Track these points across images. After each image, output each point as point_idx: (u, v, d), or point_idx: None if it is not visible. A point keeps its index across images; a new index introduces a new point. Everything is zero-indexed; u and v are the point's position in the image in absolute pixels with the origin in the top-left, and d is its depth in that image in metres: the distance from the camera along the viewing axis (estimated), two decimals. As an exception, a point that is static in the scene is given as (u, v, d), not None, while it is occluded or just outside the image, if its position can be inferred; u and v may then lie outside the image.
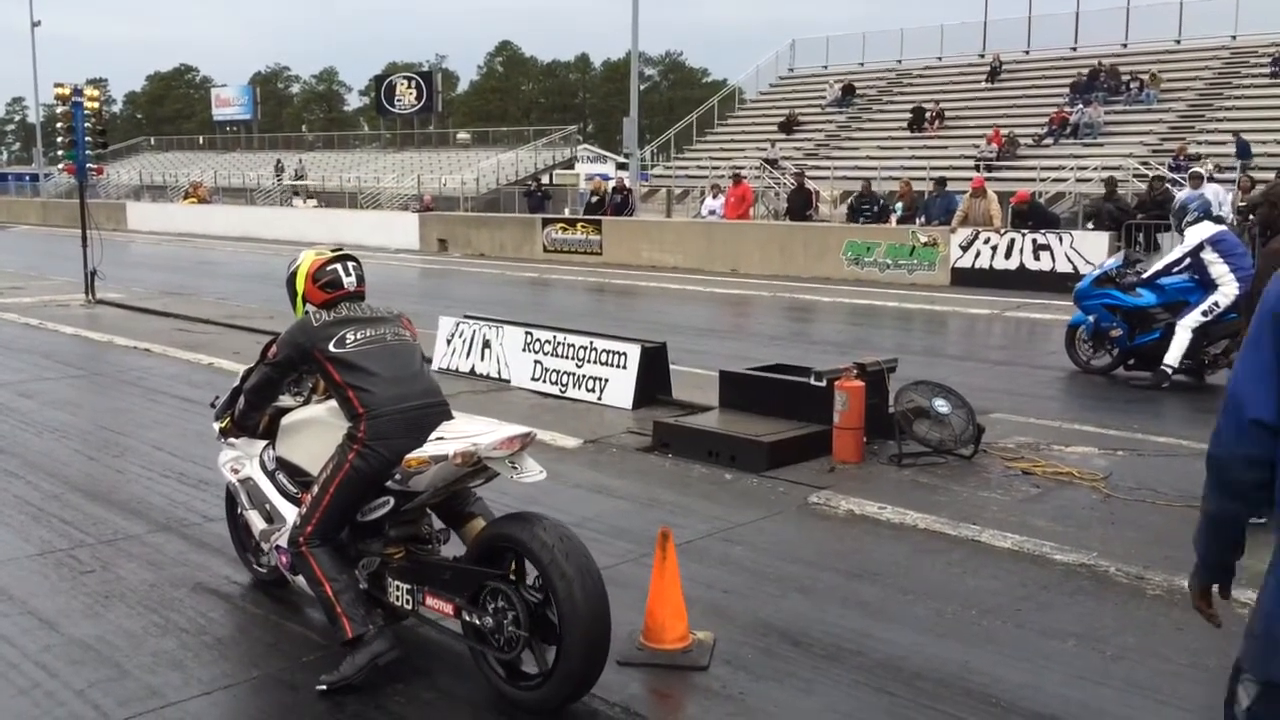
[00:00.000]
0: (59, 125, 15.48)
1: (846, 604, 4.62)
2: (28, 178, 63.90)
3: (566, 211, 27.96)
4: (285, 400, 4.38)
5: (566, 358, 8.84)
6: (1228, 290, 8.82)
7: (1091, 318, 9.78)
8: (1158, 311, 9.33)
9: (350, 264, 4.31)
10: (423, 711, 3.72)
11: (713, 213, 22.76)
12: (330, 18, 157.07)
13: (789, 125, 33.99)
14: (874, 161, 28.16)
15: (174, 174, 56.38)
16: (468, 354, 9.69)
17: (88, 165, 15.40)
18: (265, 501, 4.32)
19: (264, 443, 4.42)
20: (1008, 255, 17.15)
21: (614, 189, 25.32)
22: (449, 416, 4.04)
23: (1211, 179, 17.83)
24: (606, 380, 8.48)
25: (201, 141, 69.31)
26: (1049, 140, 27.97)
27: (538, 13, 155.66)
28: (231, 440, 4.55)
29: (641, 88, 31.05)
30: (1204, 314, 8.94)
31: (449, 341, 9.89)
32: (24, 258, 23.87)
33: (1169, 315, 9.23)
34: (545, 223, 24.78)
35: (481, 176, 43.63)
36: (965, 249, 17.66)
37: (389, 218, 32.08)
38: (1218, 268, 8.85)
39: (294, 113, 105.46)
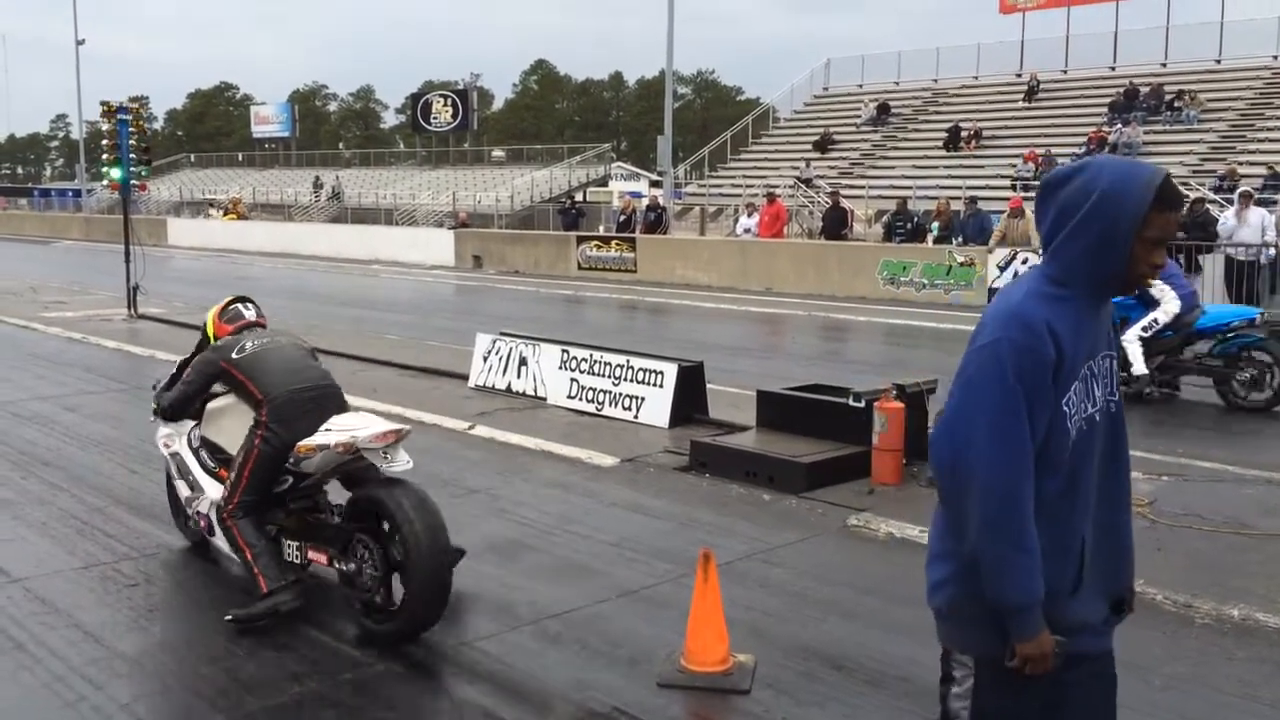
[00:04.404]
0: (104, 142, 15.72)
1: (890, 629, 4.57)
2: (71, 193, 64.94)
3: (601, 229, 28.03)
4: (216, 388, 5.05)
5: (603, 376, 8.84)
6: (1169, 308, 9.36)
7: None
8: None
9: (248, 303, 5.27)
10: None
11: (747, 231, 22.74)
12: (368, 37, 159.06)
13: (823, 144, 33.96)
14: (909, 180, 28.05)
15: (213, 190, 57.14)
16: (504, 371, 9.72)
17: (131, 181, 15.63)
18: (189, 473, 5.11)
19: (192, 423, 5.21)
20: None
21: (648, 207, 25.38)
22: (340, 398, 4.85)
23: (1258, 201, 17.60)
24: (643, 399, 8.47)
25: (241, 158, 70.25)
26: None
27: (573, 31, 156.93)
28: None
29: (675, 106, 31.11)
30: (1144, 329, 9.43)
31: (485, 359, 9.92)
32: (68, 272, 24.24)
33: (1114, 331, 9.39)
34: (579, 240, 24.87)
35: (516, 194, 43.89)
36: (1003, 269, 17.53)
37: (424, 234, 32.32)
38: (1159, 288, 9.34)
39: (331, 130, 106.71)
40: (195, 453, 5.13)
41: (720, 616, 4.14)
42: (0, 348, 12.44)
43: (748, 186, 30.03)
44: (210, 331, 5.23)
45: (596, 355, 8.98)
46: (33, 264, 27.23)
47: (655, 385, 8.41)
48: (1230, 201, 16.12)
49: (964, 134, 30.93)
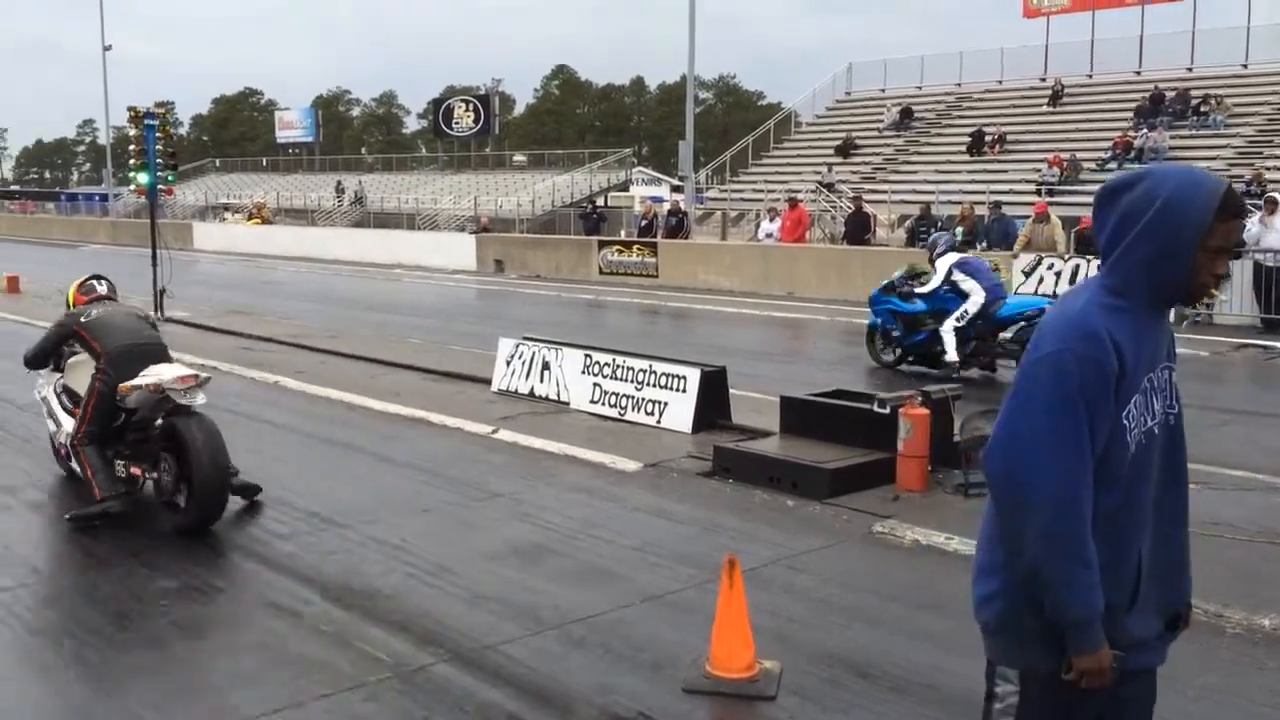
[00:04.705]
0: (131, 148, 15.87)
1: (915, 636, 4.55)
2: (97, 198, 65.57)
3: (622, 234, 28.06)
4: (76, 348, 6.39)
5: (626, 380, 8.85)
6: (976, 299, 10.89)
7: (879, 320, 11.80)
8: (925, 317, 11.33)
9: (102, 280, 6.76)
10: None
11: (769, 235, 22.73)
12: (390, 42, 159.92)
13: (846, 148, 33.89)
14: (932, 185, 27.94)
15: (238, 195, 57.57)
16: (527, 375, 9.74)
17: (158, 186, 15.77)
18: (54, 413, 6.55)
19: (58, 375, 6.63)
20: (1072, 280, 16.86)
21: (669, 211, 25.41)
22: (163, 353, 6.22)
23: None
24: (666, 404, 8.48)
25: (265, 163, 70.76)
26: (1112, 165, 27.54)
27: (594, 37, 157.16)
28: (39, 372, 6.79)
29: (696, 110, 31.11)
30: (957, 320, 10.97)
31: (508, 363, 9.95)
32: (94, 276, 24.46)
33: (934, 321, 11.22)
34: (601, 245, 24.92)
35: (537, 198, 44.04)
36: (1028, 275, 17.42)
37: (446, 239, 32.45)
38: (968, 284, 11.02)
39: (354, 135, 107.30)
40: (58, 397, 6.54)
41: (745, 622, 4.14)
42: (29, 351, 12.54)
43: (769, 191, 30.01)
44: (70, 301, 6.63)
45: (619, 360, 8.99)
46: (60, 268, 27.45)
47: (678, 390, 8.41)
48: (1257, 207, 15.96)
49: (988, 138, 30.80)
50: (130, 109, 15.44)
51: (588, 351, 9.32)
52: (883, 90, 37.12)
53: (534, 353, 9.74)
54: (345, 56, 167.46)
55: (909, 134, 34.20)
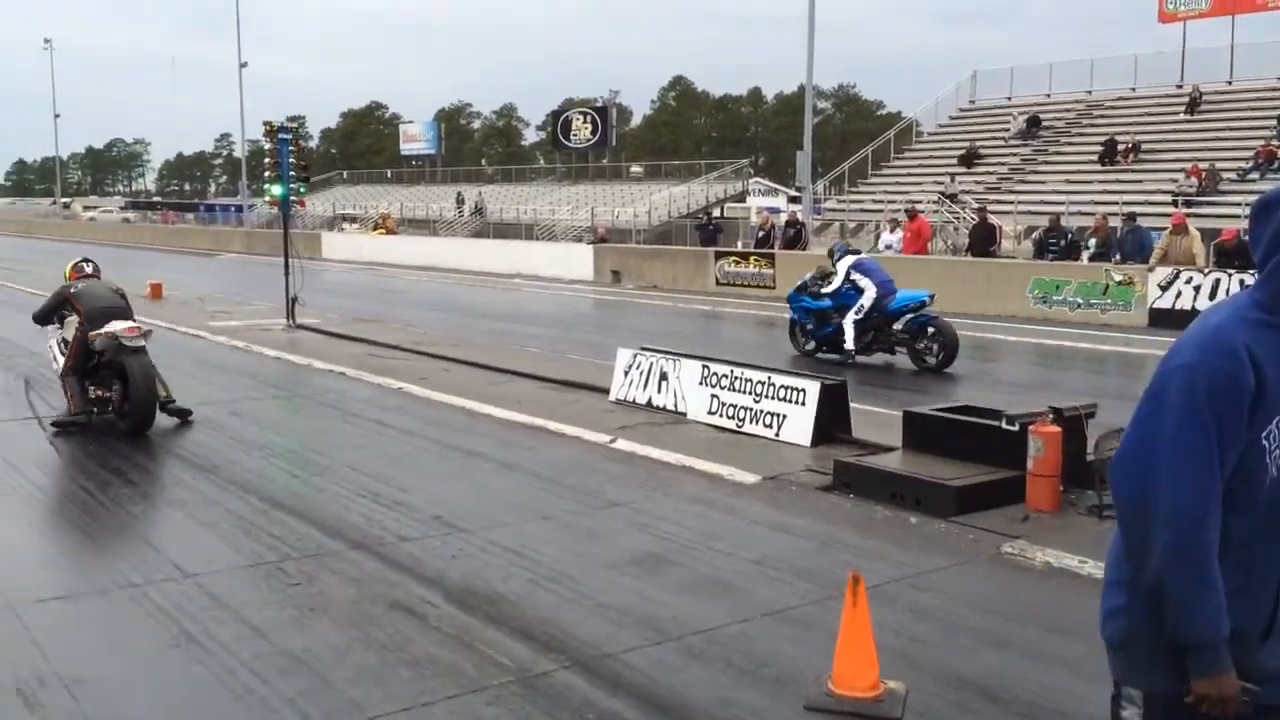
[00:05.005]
0: (266, 160, 16.50)
1: (1046, 660, 4.40)
2: (233, 209, 68.43)
3: (739, 245, 27.97)
4: (69, 315, 8.96)
5: (744, 392, 8.80)
6: (869, 295, 12.69)
7: (795, 316, 13.76)
8: (831, 312, 13.15)
9: (89, 262, 9.54)
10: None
11: (889, 247, 22.34)
12: (511, 56, 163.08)
13: (969, 158, 33.14)
14: (1062, 196, 27.08)
15: (364, 206, 59.39)
16: (644, 386, 9.78)
17: (290, 198, 16.36)
18: (55, 357, 9.08)
19: (58, 331, 9.14)
20: (1212, 295, 16.13)
21: (787, 223, 25.21)
22: (126, 313, 8.77)
23: None
24: (784, 416, 8.40)
25: (389, 175, 72.86)
26: (1254, 175, 26.28)
27: (711, 48, 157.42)
28: (47, 329, 9.41)
29: (815, 120, 30.83)
30: (855, 313, 12.78)
31: (626, 373, 10.00)
32: (231, 284, 25.55)
33: (839, 315, 13.01)
34: (718, 256, 24.88)
35: (654, 209, 44.24)
36: (1165, 288, 16.75)
37: (564, 249, 32.85)
38: (863, 281, 12.82)
39: (474, 147, 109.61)
40: (58, 345, 9.10)
41: (870, 641, 4.06)
42: (174, 354, 13.12)
43: (889, 202, 29.54)
44: (66, 275, 9.32)
45: (737, 371, 8.95)
46: (199, 276, 28.78)
47: (797, 403, 8.33)
48: None
49: (1121, 147, 29.72)
50: (266, 124, 16.05)
51: (705, 363, 9.30)
52: (1008, 98, 36.18)
53: (652, 363, 9.77)
54: (467, 70, 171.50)
55: (1036, 143, 33.24)
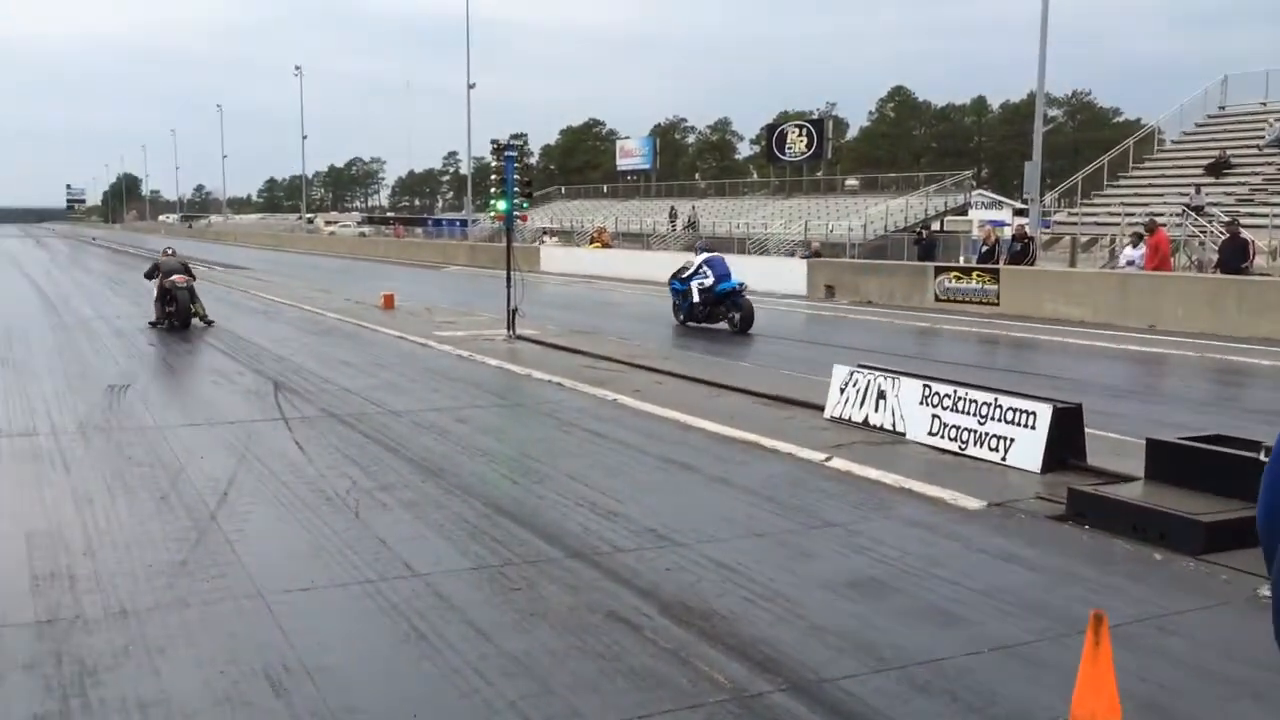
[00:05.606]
0: (492, 177, 17.19)
1: (1318, 722, 3.98)
2: (458, 223, 71.90)
3: (961, 260, 27.01)
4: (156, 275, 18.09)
5: (968, 414, 8.44)
6: (705, 282, 18.16)
7: (673, 297, 19.18)
8: (687, 291, 18.53)
9: (172, 248, 20.10)
10: None
11: (1131, 263, 21.04)
12: (727, 71, 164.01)
13: (1218, 168, 30.78)
14: (1324, 207, 24.79)
15: (580, 220, 61.07)
16: (861, 403, 9.54)
17: (514, 212, 16.98)
18: (153, 290, 17.99)
19: (156, 282, 17.73)
20: None
21: (1014, 236, 24.17)
22: (186, 270, 17.72)
23: None
24: (1012, 440, 7.99)
25: (605, 190, 74.69)
26: None
27: (933, 56, 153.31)
28: (151, 281, 18.27)
29: (1045, 129, 29.43)
30: (699, 290, 18.29)
31: (842, 390, 9.79)
32: (455, 295, 26.77)
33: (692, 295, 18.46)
34: (937, 271, 24.10)
35: (869, 223, 43.42)
36: None
37: (777, 264, 32.63)
38: (705, 270, 18.28)
39: (688, 162, 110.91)
40: (156, 288, 17.63)
41: (1113, 685, 3.77)
42: (403, 362, 13.89)
43: (1127, 215, 27.83)
44: (161, 253, 18.86)
45: (961, 392, 8.59)
46: (427, 287, 30.30)
47: (1026, 426, 7.91)
48: None
49: (1396, 154, 26.92)
50: (493, 142, 16.76)
51: (927, 382, 8.99)
52: (1263, 104, 33.41)
53: (869, 381, 9.52)
54: (683, 86, 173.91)
55: (1295, 151, 30.54)
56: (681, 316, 18.80)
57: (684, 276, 18.61)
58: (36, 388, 11.47)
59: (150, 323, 17.42)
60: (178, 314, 16.92)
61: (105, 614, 4.96)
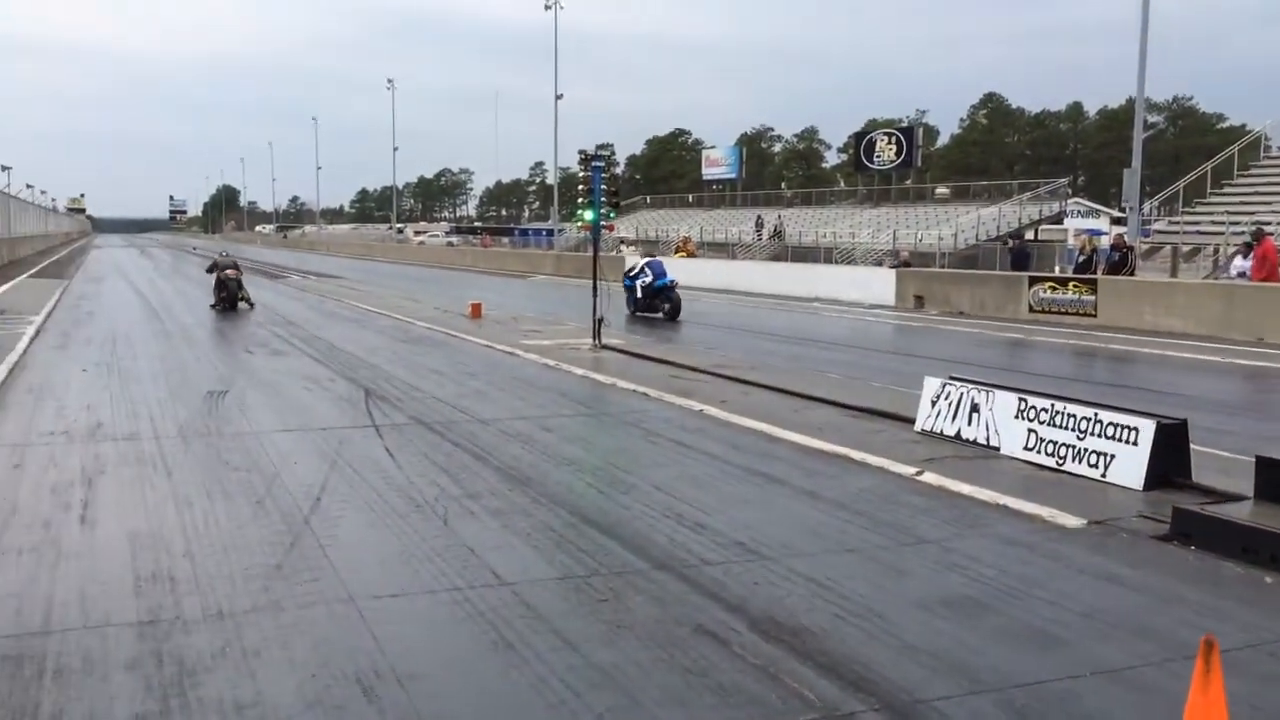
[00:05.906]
0: (580, 187, 17.29)
1: None
2: (545, 232, 72.56)
3: (1057, 269, 26.34)
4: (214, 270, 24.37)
5: (1066, 428, 8.19)
6: (646, 280, 22.45)
7: (626, 294, 22.79)
8: (635, 287, 22.72)
9: (226, 251, 29.33)
10: None
11: (1241, 274, 20.29)
12: (814, 79, 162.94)
13: (1328, 174, 29.55)
14: None
15: (665, 230, 61.13)
16: (953, 417, 9.33)
17: (600, 222, 17.04)
18: (212, 283, 23.85)
19: (216, 276, 23.63)
20: None
21: (1112, 246, 23.50)
22: (235, 266, 23.84)
23: None
24: (1113, 456, 7.73)
25: (690, 199, 74.69)
26: None
27: (1027, 62, 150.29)
28: (211, 275, 24.18)
29: (1145, 135, 28.55)
30: (643, 286, 22.56)
31: (933, 403, 9.58)
32: (541, 305, 27.00)
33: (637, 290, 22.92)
34: (1031, 281, 23.54)
35: (960, 231, 42.66)
36: None
37: (864, 273, 32.26)
38: (646, 269, 22.80)
39: (774, 171, 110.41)
40: (214, 280, 23.56)
41: (1224, 714, 3.59)
42: (491, 371, 14.02)
43: (1231, 224, 26.86)
44: (218, 254, 26.38)
45: (1059, 406, 8.35)
46: (514, 296, 30.62)
47: (1128, 442, 7.65)
48: None
49: None
50: (581, 152, 16.84)
51: (1023, 395, 8.75)
52: (1378, 106, 31.97)
53: (962, 394, 9.31)
54: (768, 95, 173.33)
55: None
56: (631, 308, 22.59)
57: (632, 275, 23.00)
58: (140, 392, 11.86)
59: (212, 306, 23.05)
60: (228, 298, 22.85)
61: (204, 615, 5.07)
